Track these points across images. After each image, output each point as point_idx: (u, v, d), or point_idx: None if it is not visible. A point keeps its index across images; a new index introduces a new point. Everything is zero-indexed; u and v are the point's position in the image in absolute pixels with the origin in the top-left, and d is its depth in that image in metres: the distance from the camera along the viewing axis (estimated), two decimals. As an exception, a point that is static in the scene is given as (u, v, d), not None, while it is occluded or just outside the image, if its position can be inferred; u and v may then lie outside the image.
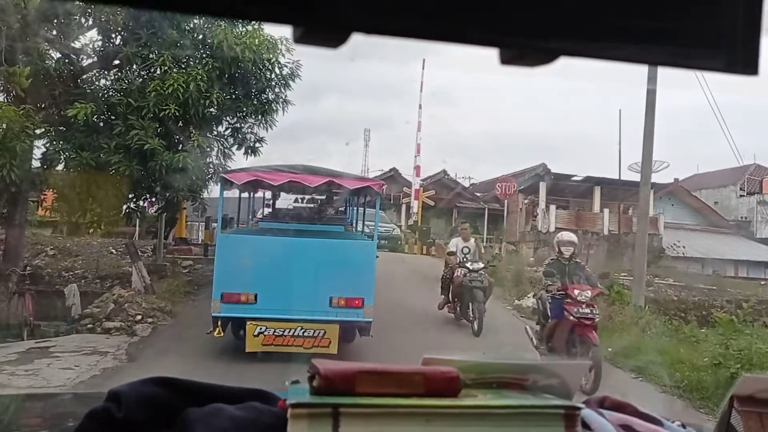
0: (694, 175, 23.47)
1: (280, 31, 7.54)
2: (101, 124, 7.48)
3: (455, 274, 6.77)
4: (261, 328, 4.98)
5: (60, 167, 7.70)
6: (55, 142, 7.53)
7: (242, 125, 8.72)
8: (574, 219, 17.57)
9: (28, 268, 8.74)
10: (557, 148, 33.79)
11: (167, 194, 7.92)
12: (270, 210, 9.44)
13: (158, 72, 7.25)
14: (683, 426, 0.60)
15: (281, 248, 5.19)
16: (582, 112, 39.01)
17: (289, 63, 8.08)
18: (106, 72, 8.03)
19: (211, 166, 8.52)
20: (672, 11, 0.29)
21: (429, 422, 0.43)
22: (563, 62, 0.30)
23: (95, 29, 7.69)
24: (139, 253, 9.09)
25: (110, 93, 7.64)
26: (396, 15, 0.27)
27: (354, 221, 8.45)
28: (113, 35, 7.75)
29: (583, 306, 4.51)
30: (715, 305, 9.25)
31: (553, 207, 17.52)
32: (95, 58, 7.94)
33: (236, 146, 8.80)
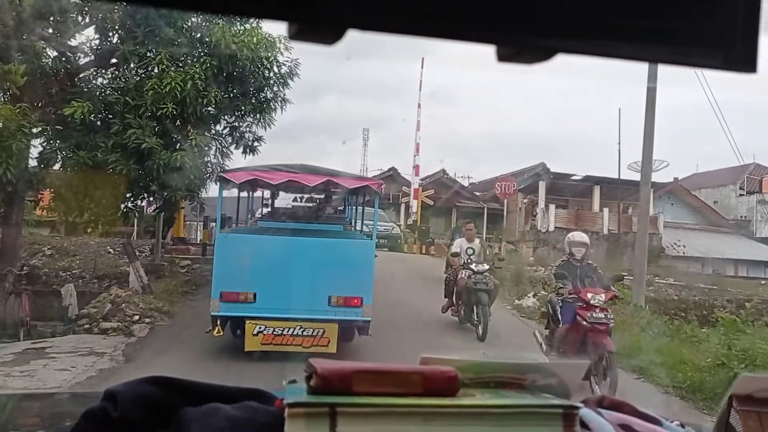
0: (693, 174, 23.56)
1: (278, 30, 7.54)
2: (98, 123, 7.46)
3: (459, 276, 6.55)
4: (260, 327, 4.98)
5: (57, 166, 7.66)
6: (51, 141, 7.50)
7: (240, 124, 8.70)
8: (574, 218, 17.61)
9: (25, 267, 8.71)
10: (556, 148, 33.85)
11: (165, 193, 7.89)
12: (269, 209, 9.44)
13: (156, 70, 7.22)
14: (682, 425, 0.60)
15: (280, 247, 5.19)
16: (581, 111, 39.12)
17: (287, 61, 8.07)
18: (103, 70, 8.00)
19: (209, 165, 8.50)
20: (670, 7, 0.28)
21: (427, 422, 0.43)
22: (562, 61, 0.30)
23: (92, 27, 7.65)
24: (137, 253, 9.07)
25: (107, 91, 7.60)
26: (392, 12, 0.26)
27: (353, 220, 8.45)
28: (110, 33, 7.71)
29: (597, 310, 4.29)
30: (716, 305, 9.27)
31: (552, 206, 17.55)
32: (92, 56, 7.91)
33: (234, 145, 8.79)
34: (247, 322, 4.99)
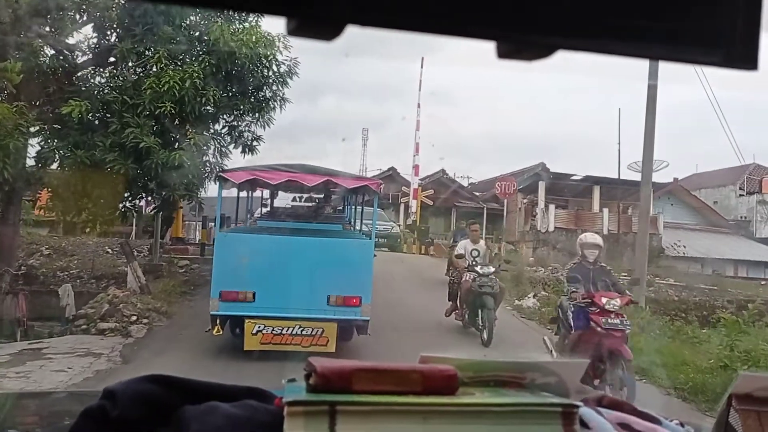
0: (693, 174, 23.60)
1: (277, 28, 7.52)
2: (96, 121, 7.42)
3: (464, 279, 6.35)
4: (259, 327, 4.99)
5: (54, 166, 7.63)
6: (49, 140, 7.46)
7: (239, 123, 8.68)
8: (574, 218, 17.63)
9: (22, 267, 8.69)
10: (556, 148, 33.92)
11: (163, 193, 7.87)
12: (268, 209, 9.44)
13: (154, 69, 7.19)
14: (681, 424, 0.60)
15: (279, 247, 5.20)
16: (581, 111, 39.18)
17: (286, 60, 8.05)
18: (100, 69, 7.96)
19: (207, 164, 8.47)
20: (672, 3, 0.28)
21: (426, 420, 0.43)
22: (562, 58, 0.30)
23: (90, 25, 7.61)
24: (135, 253, 9.05)
25: (105, 90, 7.56)
26: (392, 8, 0.26)
27: (352, 220, 8.45)
28: (108, 31, 7.67)
29: (612, 316, 4.07)
30: (717, 305, 9.28)
31: (552, 206, 17.57)
32: (90, 54, 7.87)
33: (233, 144, 8.76)
34: (247, 321, 4.99)
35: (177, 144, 7.39)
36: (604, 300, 4.15)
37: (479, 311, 6.07)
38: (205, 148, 8.08)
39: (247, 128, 8.71)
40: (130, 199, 8.15)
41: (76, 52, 7.79)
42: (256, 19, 7.41)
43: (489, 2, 0.27)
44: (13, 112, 6.62)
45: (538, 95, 46.50)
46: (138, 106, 7.12)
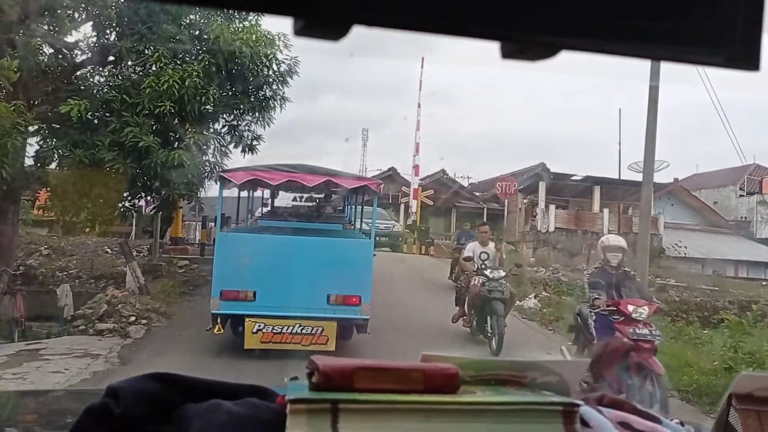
0: (693, 174, 23.60)
1: (277, 27, 7.52)
2: (95, 121, 7.40)
3: (472, 283, 5.97)
4: (259, 326, 5.00)
5: (53, 165, 7.62)
6: (48, 140, 7.44)
7: (239, 123, 8.67)
8: (574, 219, 17.63)
9: (21, 267, 8.66)
10: (556, 148, 33.94)
11: (163, 193, 7.86)
12: (269, 208, 9.44)
13: (154, 68, 7.18)
14: (682, 424, 0.60)
15: (280, 246, 5.21)
16: (581, 111, 39.19)
17: (287, 59, 8.04)
18: (100, 68, 7.93)
19: (207, 164, 8.47)
20: (674, 4, 0.28)
21: (428, 418, 0.43)
22: (563, 58, 0.30)
23: (89, 23, 7.59)
24: (134, 253, 9.03)
25: (104, 89, 7.54)
26: (397, 8, 0.26)
27: (352, 220, 8.46)
28: (107, 30, 7.64)
29: (640, 325, 3.71)
30: (718, 306, 9.25)
31: (552, 207, 17.57)
32: (89, 53, 7.84)
33: (233, 144, 8.75)
34: (247, 320, 5.00)
35: (177, 143, 7.38)
36: (630, 308, 3.78)
37: (488, 318, 5.72)
38: (204, 147, 8.08)
39: (247, 127, 8.71)
40: (129, 198, 8.14)
41: (76, 51, 7.77)
42: (256, 18, 7.40)
43: (494, 3, 0.27)
44: (12, 111, 6.61)
45: (538, 95, 46.57)
46: (137, 105, 7.10)
